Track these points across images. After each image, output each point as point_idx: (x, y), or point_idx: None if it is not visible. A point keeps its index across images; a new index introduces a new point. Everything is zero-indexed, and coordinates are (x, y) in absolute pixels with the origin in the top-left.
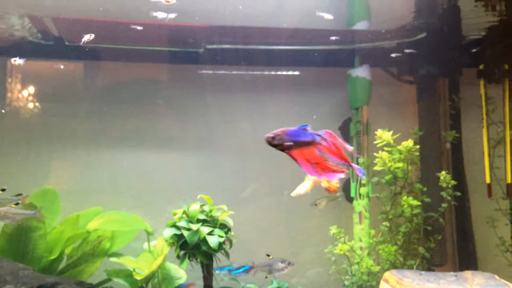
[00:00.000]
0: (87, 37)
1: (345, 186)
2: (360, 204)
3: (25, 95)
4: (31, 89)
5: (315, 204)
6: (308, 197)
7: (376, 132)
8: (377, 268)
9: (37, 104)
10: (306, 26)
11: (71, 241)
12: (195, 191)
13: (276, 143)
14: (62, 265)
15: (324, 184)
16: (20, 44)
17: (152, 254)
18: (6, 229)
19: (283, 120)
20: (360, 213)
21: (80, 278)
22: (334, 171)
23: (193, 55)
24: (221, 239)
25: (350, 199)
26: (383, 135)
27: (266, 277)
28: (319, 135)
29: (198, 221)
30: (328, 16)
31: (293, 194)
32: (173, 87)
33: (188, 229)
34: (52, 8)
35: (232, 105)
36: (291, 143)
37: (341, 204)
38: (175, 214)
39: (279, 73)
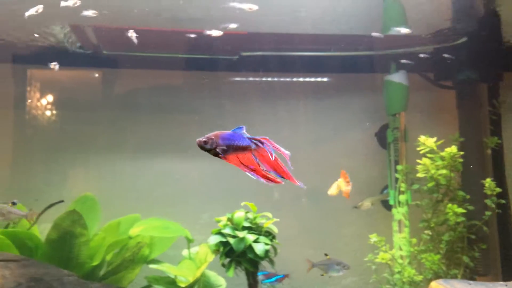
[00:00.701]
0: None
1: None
2: (399, 212)
3: (61, 104)
4: (67, 98)
5: (357, 207)
6: (345, 202)
7: (419, 139)
8: (419, 278)
9: (72, 112)
10: (342, 32)
11: (113, 247)
12: (230, 197)
13: (209, 148)
14: (102, 271)
15: (342, 189)
16: (53, 52)
17: (193, 261)
18: (51, 236)
19: (315, 127)
20: (399, 221)
21: (120, 284)
22: (269, 179)
23: (224, 62)
24: (267, 247)
25: (388, 207)
26: (426, 142)
27: (322, 275)
28: (254, 141)
29: (243, 228)
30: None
31: (329, 192)
32: (205, 95)
33: (234, 236)
34: (94, 18)
35: (266, 112)
36: (225, 148)
37: (378, 212)
38: (218, 222)
39: (314, 79)
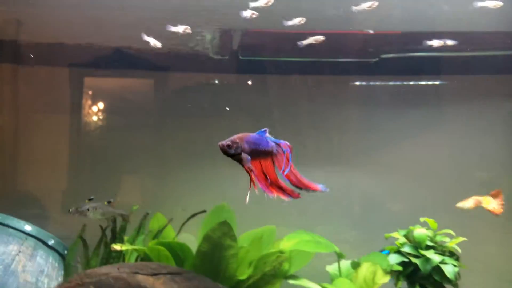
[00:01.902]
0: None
1: None
2: None
3: (194, 111)
4: (200, 103)
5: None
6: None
7: None
8: None
9: (205, 119)
10: (476, 29)
11: (262, 261)
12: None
13: (233, 153)
14: (244, 285)
15: (486, 205)
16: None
17: (352, 282)
18: (202, 248)
19: (449, 134)
20: None
21: None
22: (285, 192)
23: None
24: (456, 269)
25: None
26: None
27: None
28: (277, 145)
29: (426, 247)
30: None
31: (458, 205)
32: (326, 101)
33: (417, 256)
34: (246, 21)
35: (394, 118)
36: (250, 152)
37: None
38: (387, 238)
39: (445, 82)
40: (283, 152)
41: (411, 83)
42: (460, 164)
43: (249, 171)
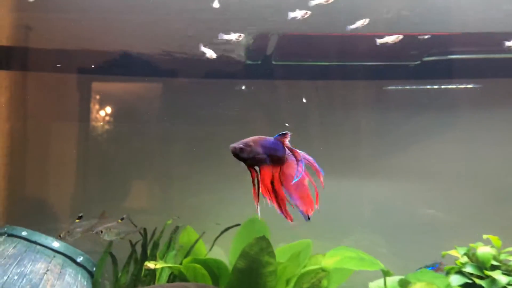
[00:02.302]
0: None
1: None
2: None
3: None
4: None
5: None
6: None
7: None
8: None
9: (235, 126)
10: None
11: (304, 279)
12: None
13: (245, 157)
14: None
15: None
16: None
17: None
18: (239, 265)
19: (493, 140)
20: None
21: None
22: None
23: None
24: None
25: None
26: None
27: None
28: (292, 151)
29: (492, 267)
30: None
31: None
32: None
33: (481, 277)
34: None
35: (430, 124)
36: (265, 157)
37: None
38: (444, 256)
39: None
40: (298, 162)
41: (452, 86)
42: (502, 170)
43: (254, 178)
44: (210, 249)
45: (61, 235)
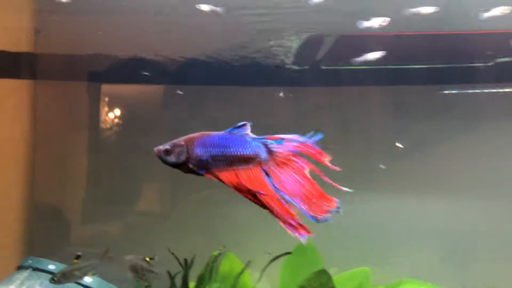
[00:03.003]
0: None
1: None
2: None
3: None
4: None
5: None
6: None
7: None
8: None
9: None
10: None
11: None
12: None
13: (174, 161)
14: None
15: None
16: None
17: None
18: None
19: None
20: None
21: None
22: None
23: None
24: None
25: None
26: None
27: None
28: (268, 146)
29: None
30: None
31: None
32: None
33: None
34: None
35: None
36: (206, 160)
37: None
38: None
39: None
40: (281, 152)
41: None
42: None
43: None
44: (258, 281)
45: (55, 279)
